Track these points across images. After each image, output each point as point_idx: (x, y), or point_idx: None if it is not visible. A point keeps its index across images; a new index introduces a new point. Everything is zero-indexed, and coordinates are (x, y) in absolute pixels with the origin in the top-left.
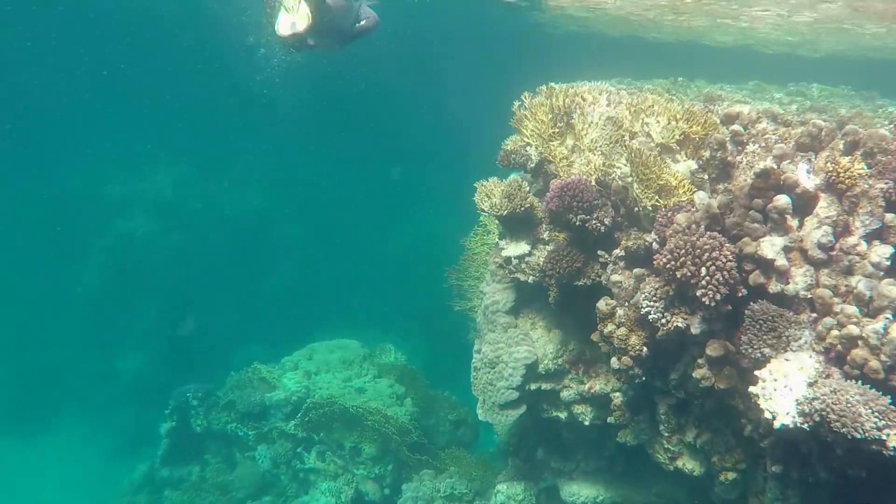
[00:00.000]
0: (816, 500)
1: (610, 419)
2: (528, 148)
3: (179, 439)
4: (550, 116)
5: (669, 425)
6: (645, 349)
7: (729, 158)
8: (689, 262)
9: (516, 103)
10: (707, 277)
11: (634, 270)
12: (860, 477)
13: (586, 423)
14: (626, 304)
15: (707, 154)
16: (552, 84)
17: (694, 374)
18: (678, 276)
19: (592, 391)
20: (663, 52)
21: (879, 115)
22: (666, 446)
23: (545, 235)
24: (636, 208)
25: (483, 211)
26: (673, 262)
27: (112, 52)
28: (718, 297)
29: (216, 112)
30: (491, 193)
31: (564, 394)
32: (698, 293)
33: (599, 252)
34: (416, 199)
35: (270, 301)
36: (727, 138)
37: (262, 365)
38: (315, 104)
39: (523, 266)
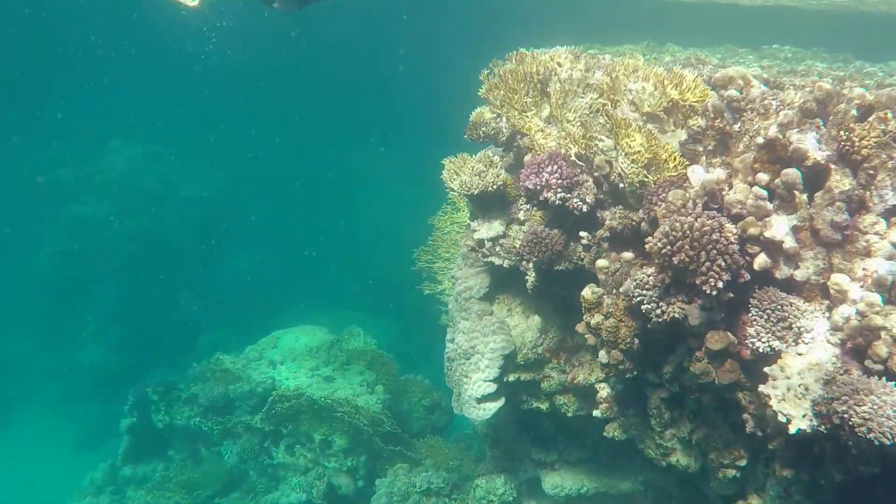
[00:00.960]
0: (822, 496)
1: (596, 413)
2: (498, 120)
3: (141, 435)
4: (522, 84)
5: (662, 420)
6: (636, 341)
7: (726, 128)
8: (686, 247)
9: (484, 71)
10: (707, 263)
11: (623, 255)
12: (873, 473)
13: (569, 414)
14: (614, 291)
15: (702, 123)
16: (523, 50)
17: (692, 369)
18: (675, 261)
19: (576, 382)
20: (629, 13)
21: (866, 78)
22: (658, 442)
23: (520, 215)
24: (621, 184)
25: (452, 190)
26: (669, 247)
27: (60, 28)
28: (721, 284)
29: (170, 89)
30: (460, 170)
31: (545, 384)
32: (698, 281)
33: (581, 233)
34: (383, 172)
35: (235, 283)
36: (723, 105)
37: (224, 355)
38: (274, 77)
39: (497, 249)
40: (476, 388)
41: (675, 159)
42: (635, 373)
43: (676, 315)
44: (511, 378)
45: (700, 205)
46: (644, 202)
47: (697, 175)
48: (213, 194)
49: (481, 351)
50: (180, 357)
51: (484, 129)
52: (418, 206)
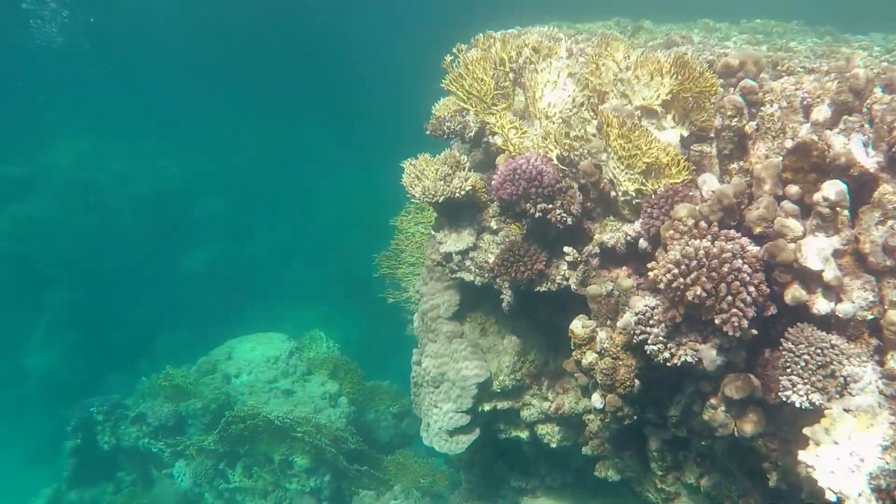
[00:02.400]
0: None
1: (585, 450)
2: (465, 113)
3: (87, 458)
4: (492, 73)
5: (664, 463)
6: (637, 383)
7: (746, 128)
8: (703, 278)
9: (448, 58)
10: (729, 298)
11: (620, 281)
12: None
13: (553, 445)
14: (609, 322)
15: (717, 123)
16: (490, 32)
17: (706, 418)
18: (689, 297)
19: (561, 412)
20: None
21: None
22: (659, 486)
23: (493, 223)
24: (613, 193)
25: (414, 197)
26: (681, 280)
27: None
28: (745, 324)
29: (122, 79)
30: (422, 174)
31: (525, 413)
32: (717, 320)
33: (566, 248)
34: (347, 160)
35: (195, 281)
36: (741, 100)
37: (174, 370)
38: (232, 64)
39: (468, 264)
40: (447, 421)
41: (678, 164)
42: (635, 418)
43: (689, 360)
44: (486, 407)
45: (715, 223)
46: (642, 215)
47: (710, 185)
48: (169, 189)
49: (452, 379)
50: (137, 361)
51: (449, 124)
52: (385, 195)
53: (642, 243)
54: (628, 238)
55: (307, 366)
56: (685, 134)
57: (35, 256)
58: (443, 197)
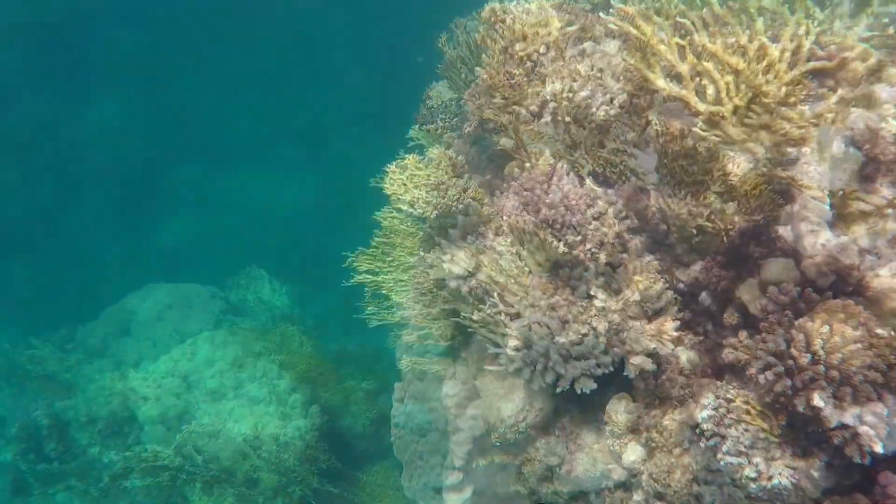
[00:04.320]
0: None
1: None
2: (464, 103)
3: (30, 465)
4: (501, 58)
5: None
6: (694, 488)
7: (880, 156)
8: (821, 382)
9: (443, 35)
10: (855, 410)
11: (679, 353)
12: None
13: None
14: (658, 402)
15: (835, 148)
16: (495, 4)
17: None
18: (796, 406)
19: (574, 475)
20: None
21: None
22: None
23: (497, 244)
24: (664, 225)
25: (401, 210)
26: (787, 382)
27: None
28: (879, 448)
29: (87, 30)
30: (411, 181)
31: (528, 469)
32: (837, 440)
33: (594, 290)
34: (334, 126)
35: (166, 258)
36: (869, 115)
37: (130, 370)
38: (211, 11)
39: (464, 293)
40: (433, 477)
41: (760, 194)
42: None
43: (784, 483)
44: (482, 463)
45: (826, 290)
46: (707, 262)
47: (821, 235)
48: (137, 156)
49: (441, 429)
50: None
51: (443, 115)
52: (375, 166)
53: (704, 298)
54: (681, 286)
55: (278, 367)
56: (760, 153)
57: None
58: (435, 211)
